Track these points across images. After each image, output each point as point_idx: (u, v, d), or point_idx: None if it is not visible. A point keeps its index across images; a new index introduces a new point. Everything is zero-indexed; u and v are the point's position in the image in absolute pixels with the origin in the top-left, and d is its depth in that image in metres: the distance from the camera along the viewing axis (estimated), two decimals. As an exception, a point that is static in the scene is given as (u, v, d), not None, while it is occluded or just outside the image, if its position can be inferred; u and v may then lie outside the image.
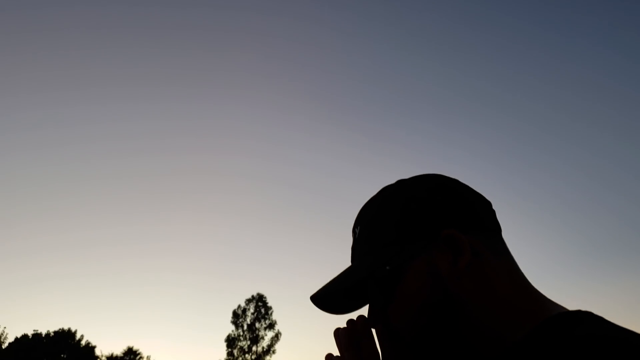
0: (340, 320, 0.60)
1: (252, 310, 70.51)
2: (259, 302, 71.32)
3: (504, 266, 0.68)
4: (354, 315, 0.77)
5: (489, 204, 0.74)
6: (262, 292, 77.86)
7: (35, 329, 37.80)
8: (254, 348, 67.74)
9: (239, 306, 70.02)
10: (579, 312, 0.61)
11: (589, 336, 0.53)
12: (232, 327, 68.68)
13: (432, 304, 0.66)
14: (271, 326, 70.21)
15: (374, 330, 0.74)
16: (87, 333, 58.11)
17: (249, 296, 69.45)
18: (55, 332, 37.32)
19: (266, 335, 69.24)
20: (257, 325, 69.60)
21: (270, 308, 70.79)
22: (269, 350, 68.36)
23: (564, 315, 0.61)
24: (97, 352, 35.80)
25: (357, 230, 0.75)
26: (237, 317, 70.52)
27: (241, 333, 68.95)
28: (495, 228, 0.72)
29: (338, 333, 0.75)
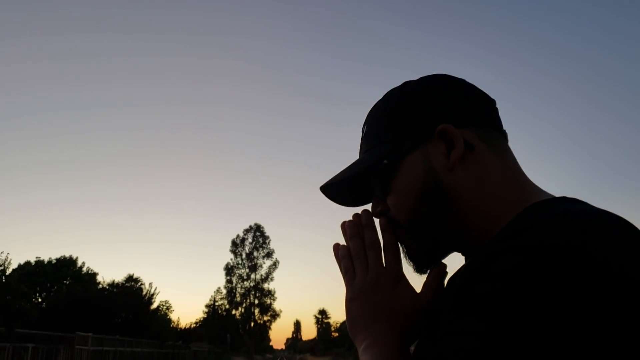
0: (336, 235, 0.96)
1: (250, 240, 72.26)
2: (257, 232, 72.87)
3: (500, 160, 0.72)
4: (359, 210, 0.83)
5: (492, 101, 0.78)
6: (260, 222, 78.49)
7: (38, 256, 38.60)
8: (252, 276, 70.19)
9: (238, 236, 71.93)
10: (563, 197, 0.66)
11: (558, 211, 0.58)
12: (231, 256, 70.75)
13: (425, 194, 0.71)
14: (269, 255, 72.28)
15: (377, 222, 0.79)
16: (88, 262, 59.56)
17: (247, 227, 70.60)
18: (57, 260, 37.96)
19: (264, 263, 71.43)
20: (255, 254, 71.61)
21: (268, 237, 72.33)
22: (267, 277, 70.84)
23: (546, 200, 0.67)
24: (99, 279, 36.63)
25: (364, 129, 0.81)
26: (236, 246, 72.28)
27: (240, 262, 71.19)
28: (496, 124, 0.76)
29: (344, 225, 0.80)
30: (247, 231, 72.64)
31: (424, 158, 0.72)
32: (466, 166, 0.71)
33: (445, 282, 0.76)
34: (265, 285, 71.76)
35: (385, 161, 0.74)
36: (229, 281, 70.91)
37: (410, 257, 0.77)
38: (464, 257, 0.77)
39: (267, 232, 73.06)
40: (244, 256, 72.03)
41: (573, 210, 0.59)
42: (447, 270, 0.77)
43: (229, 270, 71.52)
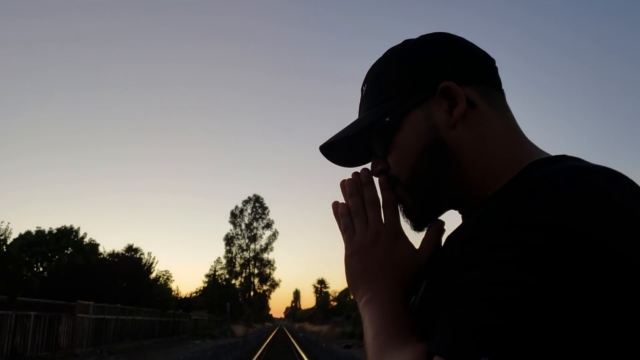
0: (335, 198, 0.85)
1: (249, 211, 72.43)
2: (256, 203, 73.02)
3: (500, 118, 0.73)
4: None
5: (492, 60, 0.78)
6: (259, 193, 78.56)
7: (38, 226, 38.69)
8: (252, 246, 70.57)
9: (237, 207, 71.85)
10: (563, 155, 0.67)
11: (560, 168, 0.59)
12: (231, 227, 70.85)
13: (427, 151, 0.71)
14: (268, 225, 72.54)
15: (376, 181, 0.79)
16: (89, 232, 59.91)
17: (246, 197, 70.73)
18: (58, 230, 38.08)
19: (264, 234, 71.59)
20: (254, 224, 71.80)
21: (267, 208, 72.40)
22: (267, 248, 71.09)
23: (548, 157, 0.68)
24: (100, 249, 36.82)
25: (364, 88, 0.80)
26: (235, 217, 72.50)
27: (239, 232, 71.51)
28: (496, 83, 0.76)
29: (344, 183, 0.80)
30: (246, 202, 72.78)
31: (426, 115, 0.72)
32: (467, 124, 0.71)
33: (444, 239, 0.76)
34: (265, 255, 72.23)
35: (387, 118, 0.74)
36: (228, 251, 71.38)
37: (409, 215, 0.77)
38: (460, 215, 0.77)
39: (267, 203, 73.13)
40: (243, 227, 72.26)
41: (584, 165, 0.59)
42: (445, 227, 0.77)
43: (229, 240, 71.87)
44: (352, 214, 0.77)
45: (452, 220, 0.78)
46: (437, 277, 0.67)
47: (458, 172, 0.71)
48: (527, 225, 0.51)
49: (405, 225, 0.77)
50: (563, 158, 0.66)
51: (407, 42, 0.78)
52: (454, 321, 0.52)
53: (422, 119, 0.72)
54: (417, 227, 0.78)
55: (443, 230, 0.77)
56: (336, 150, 0.83)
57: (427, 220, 0.77)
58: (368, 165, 0.82)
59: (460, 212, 0.78)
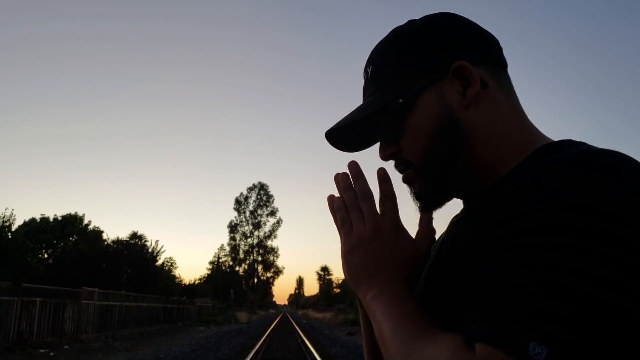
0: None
1: (254, 198, 72.34)
2: (261, 190, 73.08)
3: (508, 99, 0.72)
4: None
5: (497, 40, 0.77)
6: (264, 181, 78.61)
7: (43, 213, 38.84)
8: (256, 233, 70.53)
9: (241, 194, 71.89)
10: (570, 140, 0.66)
11: (578, 152, 0.59)
12: (235, 214, 70.95)
13: (442, 133, 0.70)
14: (273, 213, 72.62)
15: (391, 169, 0.77)
16: (93, 220, 60.01)
17: (251, 185, 70.76)
18: (62, 217, 38.21)
19: (268, 221, 71.57)
20: (259, 212, 71.71)
21: (272, 196, 72.46)
22: (271, 235, 71.15)
23: (554, 143, 0.67)
24: (104, 236, 36.91)
25: (369, 70, 0.77)
26: (240, 204, 72.59)
27: (243, 219, 71.61)
28: (502, 63, 0.75)
29: (337, 177, 0.77)
30: (250, 189, 72.81)
31: (440, 95, 0.71)
32: (480, 104, 0.70)
33: (444, 228, 0.75)
34: (269, 243, 72.37)
35: (400, 100, 0.72)
36: (232, 238, 71.54)
37: (418, 197, 0.76)
38: (463, 202, 0.77)
39: (271, 191, 73.17)
40: (247, 214, 72.33)
41: (598, 150, 0.59)
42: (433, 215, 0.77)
43: (233, 227, 72.01)
44: (349, 208, 0.75)
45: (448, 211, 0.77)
46: (447, 265, 0.67)
47: (470, 153, 0.70)
48: (558, 207, 0.51)
49: (403, 215, 0.75)
50: (572, 143, 0.65)
51: (412, 22, 0.76)
52: (496, 306, 0.50)
53: (435, 100, 0.71)
54: (424, 209, 0.76)
55: (432, 219, 0.76)
56: (342, 135, 0.80)
57: (437, 203, 0.76)
58: (375, 148, 0.79)
59: (464, 199, 0.76)
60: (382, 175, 0.75)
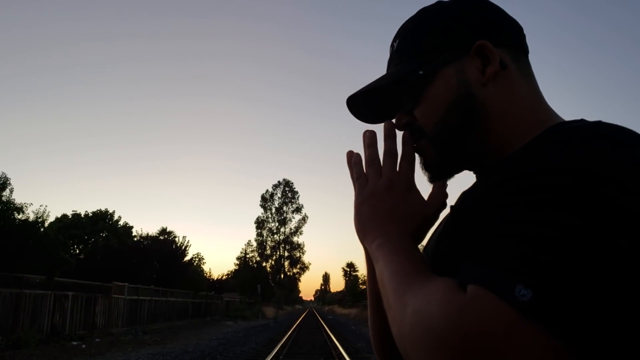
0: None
1: (279, 195, 72.60)
2: (286, 187, 73.31)
3: (527, 82, 0.75)
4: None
5: (521, 27, 0.80)
6: (289, 178, 78.81)
7: (75, 209, 39.59)
8: (282, 229, 70.78)
9: (267, 191, 72.20)
10: (582, 120, 0.67)
11: (585, 124, 0.63)
12: (261, 211, 71.37)
13: (457, 105, 0.73)
14: (298, 210, 72.83)
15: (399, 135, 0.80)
16: (123, 216, 61.03)
17: (276, 182, 71.08)
18: (93, 213, 38.94)
19: (293, 218, 71.79)
20: (284, 208, 72.08)
21: (297, 193, 72.63)
22: (297, 231, 71.36)
23: (567, 121, 0.70)
24: (134, 232, 37.58)
25: (395, 44, 0.82)
26: (265, 201, 72.98)
27: (269, 216, 71.98)
28: (524, 49, 0.78)
29: (366, 134, 0.81)
30: (276, 186, 73.13)
31: (459, 71, 0.74)
32: (497, 83, 0.73)
33: (456, 199, 0.77)
34: (295, 239, 72.61)
35: (421, 71, 0.75)
36: (259, 234, 72.01)
37: (428, 167, 0.79)
38: (475, 175, 0.79)
39: (296, 188, 73.37)
40: (273, 210, 72.68)
41: (607, 123, 0.61)
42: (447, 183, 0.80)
43: (260, 224, 72.47)
44: (367, 163, 0.79)
45: (461, 183, 0.79)
46: (456, 226, 0.70)
47: (483, 129, 0.73)
48: (554, 169, 0.55)
49: (418, 179, 0.79)
50: (584, 120, 0.67)
51: (440, 2, 0.80)
52: (488, 253, 0.54)
53: (453, 74, 0.74)
54: (433, 179, 0.79)
55: (446, 185, 0.79)
56: (363, 103, 0.84)
57: (446, 174, 0.79)
58: (392, 120, 0.83)
59: (475, 172, 0.79)
60: (407, 137, 0.79)
